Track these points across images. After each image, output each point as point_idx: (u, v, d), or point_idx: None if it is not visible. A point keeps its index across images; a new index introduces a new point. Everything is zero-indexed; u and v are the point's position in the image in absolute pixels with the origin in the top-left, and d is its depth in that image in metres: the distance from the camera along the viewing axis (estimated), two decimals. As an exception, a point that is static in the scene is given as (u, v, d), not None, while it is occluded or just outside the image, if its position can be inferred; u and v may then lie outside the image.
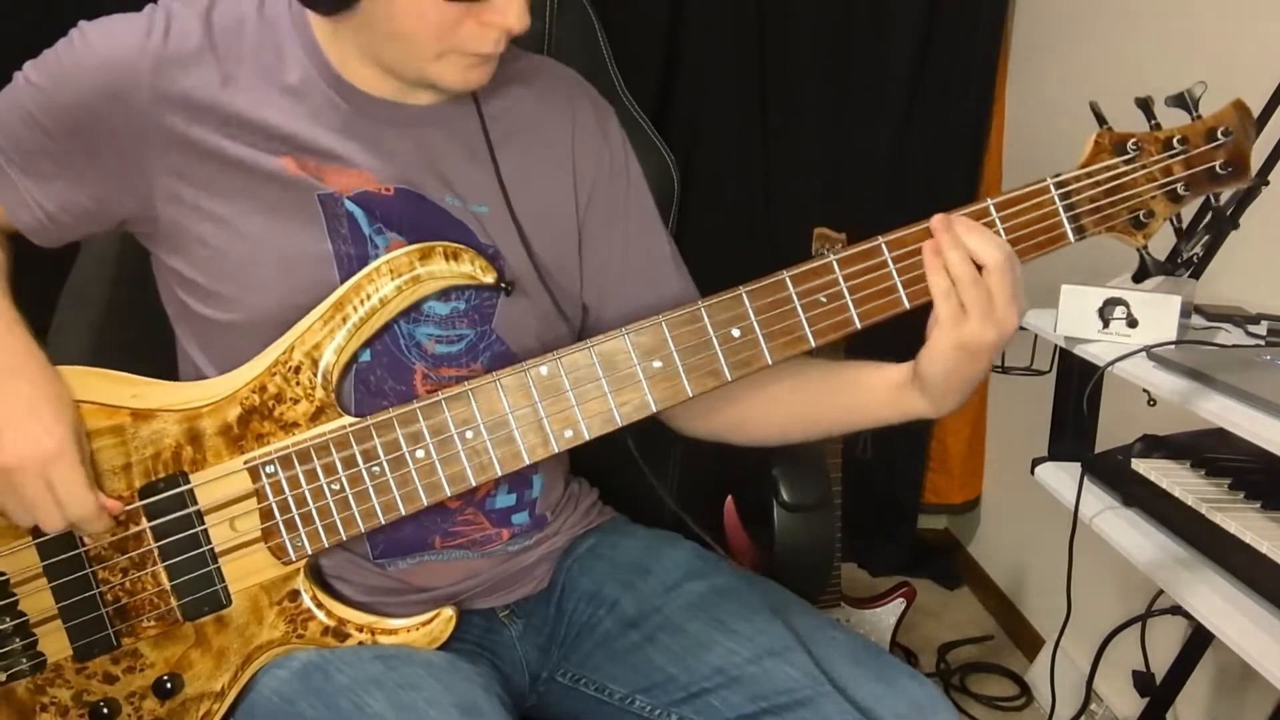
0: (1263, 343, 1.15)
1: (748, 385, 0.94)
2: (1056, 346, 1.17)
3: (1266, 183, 1.18)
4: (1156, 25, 1.65)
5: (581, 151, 1.01)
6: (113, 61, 0.86)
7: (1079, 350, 1.11)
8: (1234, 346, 1.12)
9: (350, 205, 0.90)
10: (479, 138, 0.95)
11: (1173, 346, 1.05)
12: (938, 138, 2.13)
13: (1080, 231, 0.85)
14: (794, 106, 2.09)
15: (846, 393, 0.96)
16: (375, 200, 0.91)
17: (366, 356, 0.91)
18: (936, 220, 0.83)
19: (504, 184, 0.95)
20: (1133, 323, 1.07)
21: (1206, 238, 1.21)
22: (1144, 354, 1.04)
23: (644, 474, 0.95)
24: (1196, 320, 1.21)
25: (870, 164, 2.14)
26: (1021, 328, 1.22)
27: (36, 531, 0.86)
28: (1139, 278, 0.88)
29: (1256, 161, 1.18)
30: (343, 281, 0.89)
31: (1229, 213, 1.20)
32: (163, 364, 0.99)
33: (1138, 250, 0.88)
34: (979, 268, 0.82)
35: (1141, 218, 0.86)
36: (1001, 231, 0.85)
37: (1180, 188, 0.86)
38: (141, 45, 0.87)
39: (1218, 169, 0.86)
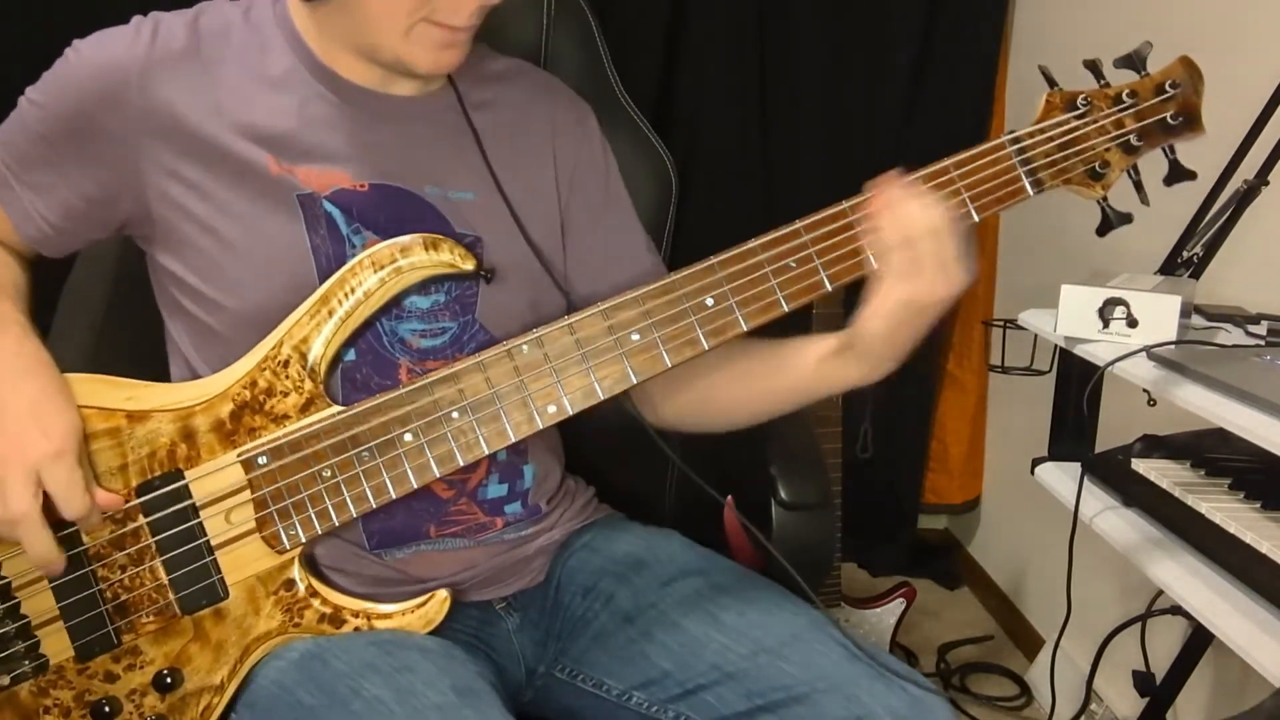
0: (1263, 343, 1.15)
1: (702, 369, 0.97)
2: (1056, 346, 1.17)
3: (1266, 183, 1.19)
4: (1156, 26, 1.65)
5: (561, 144, 1.04)
6: (104, 67, 0.90)
7: (1079, 350, 1.11)
8: (1234, 346, 1.11)
9: (329, 206, 0.92)
10: (462, 127, 0.98)
11: (1173, 346, 1.05)
12: (938, 138, 2.13)
13: (1038, 185, 0.89)
14: (794, 106, 2.09)
15: (783, 370, 0.97)
16: (352, 198, 0.93)
17: (351, 356, 0.93)
18: (884, 179, 0.85)
19: (492, 169, 0.97)
20: (1133, 323, 1.07)
21: (1206, 236, 1.22)
22: (1144, 354, 1.04)
23: (642, 472, 0.94)
24: (1196, 320, 1.21)
25: (871, 161, 2.12)
26: (1021, 328, 1.23)
27: None
28: (1102, 231, 0.91)
29: (1256, 161, 1.19)
30: (321, 280, 0.91)
31: (1229, 213, 1.21)
32: (162, 363, 1.00)
33: (1097, 202, 0.90)
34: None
35: (1098, 168, 0.89)
36: (962, 189, 0.87)
37: (1133, 139, 0.89)
38: (130, 49, 0.90)
39: (1169, 119, 0.89)
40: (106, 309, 1.14)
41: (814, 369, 0.94)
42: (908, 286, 0.83)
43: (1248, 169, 1.20)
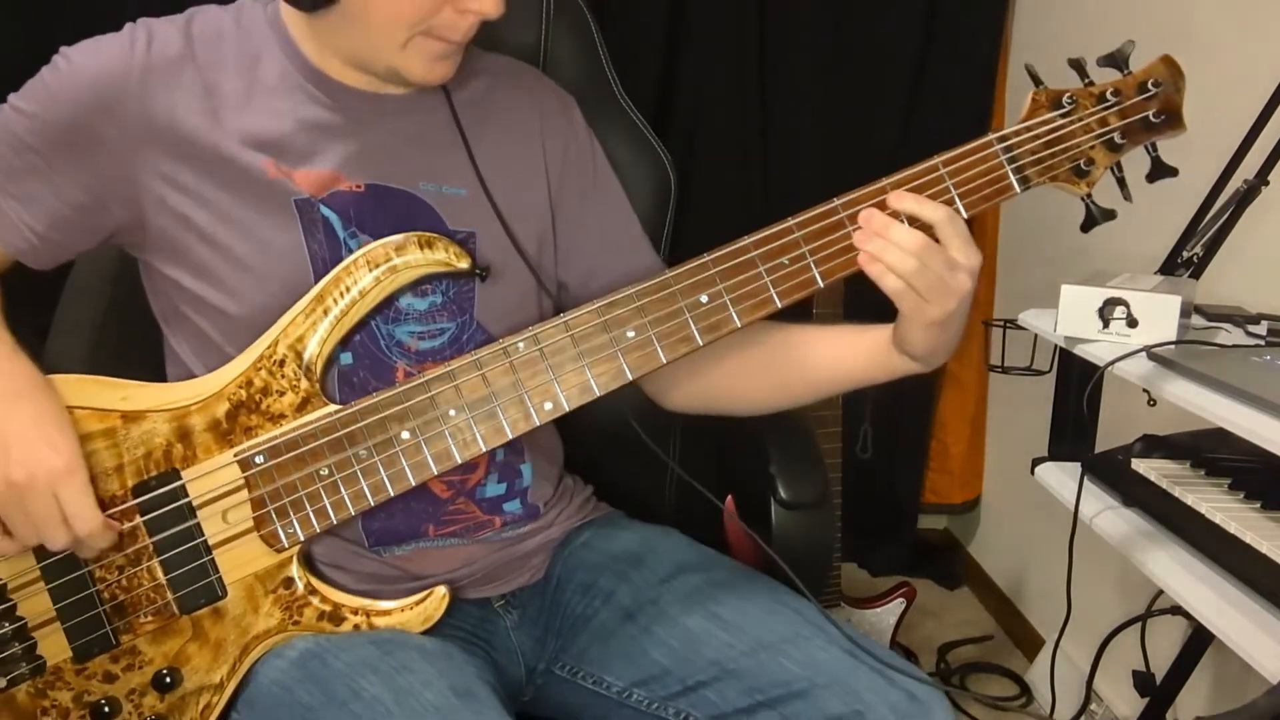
0: (1263, 343, 1.15)
1: (726, 352, 0.98)
2: (1056, 346, 1.17)
3: (1266, 183, 1.19)
4: (1156, 26, 1.64)
5: (549, 135, 1.05)
6: (100, 76, 0.89)
7: (1079, 350, 1.10)
8: (1234, 346, 1.11)
9: (325, 210, 0.92)
10: (451, 124, 0.98)
11: (1173, 346, 1.05)
12: (937, 137, 2.12)
13: (1025, 182, 0.90)
14: (794, 106, 2.09)
15: (832, 355, 0.99)
16: (348, 200, 0.93)
17: (348, 359, 0.93)
18: (859, 236, 0.87)
19: (477, 165, 0.97)
20: (1133, 323, 1.07)
21: (1206, 236, 1.21)
22: (1144, 354, 1.04)
23: (641, 471, 0.94)
24: (1196, 320, 1.21)
25: (870, 163, 2.12)
26: (1021, 328, 1.23)
27: None
28: (1085, 227, 0.92)
29: (1256, 161, 1.19)
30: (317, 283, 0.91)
31: (1229, 213, 1.21)
32: (163, 362, 1.00)
33: (1082, 199, 0.92)
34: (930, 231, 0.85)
35: (1083, 166, 0.91)
36: (951, 188, 0.88)
37: (1117, 136, 0.90)
38: (127, 58, 0.90)
39: (1151, 118, 0.90)
40: (107, 308, 1.13)
41: (867, 360, 0.96)
42: (928, 311, 0.85)
43: (1248, 169, 1.20)
